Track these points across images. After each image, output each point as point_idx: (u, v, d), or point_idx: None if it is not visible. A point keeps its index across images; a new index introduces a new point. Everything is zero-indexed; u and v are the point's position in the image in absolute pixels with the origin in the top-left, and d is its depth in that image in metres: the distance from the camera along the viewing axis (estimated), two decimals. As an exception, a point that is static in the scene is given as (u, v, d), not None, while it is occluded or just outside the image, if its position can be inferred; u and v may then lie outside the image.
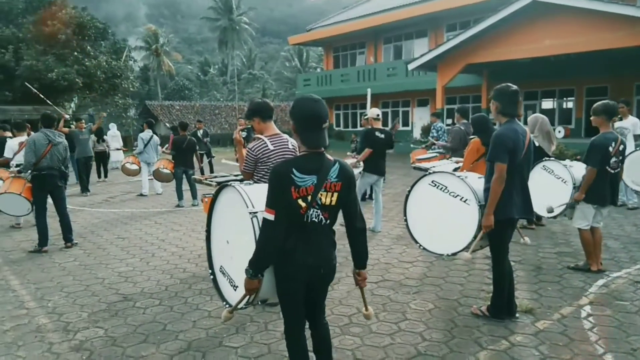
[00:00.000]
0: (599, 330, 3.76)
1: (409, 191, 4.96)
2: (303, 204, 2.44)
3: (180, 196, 9.86)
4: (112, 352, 3.55)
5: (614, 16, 13.46)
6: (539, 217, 6.66)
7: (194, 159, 10.41)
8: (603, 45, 14.05)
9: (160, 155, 11.75)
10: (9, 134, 9.07)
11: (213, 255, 3.21)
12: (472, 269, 5.33)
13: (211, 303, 4.44)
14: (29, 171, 6.32)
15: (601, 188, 4.91)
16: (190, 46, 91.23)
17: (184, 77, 58.35)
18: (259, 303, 3.03)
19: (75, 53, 27.77)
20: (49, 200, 6.58)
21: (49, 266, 5.79)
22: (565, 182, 5.80)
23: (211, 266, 3.21)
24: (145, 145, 11.36)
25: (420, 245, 4.81)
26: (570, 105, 21.29)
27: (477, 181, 4.33)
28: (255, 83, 61.09)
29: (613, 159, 4.87)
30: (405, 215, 4.99)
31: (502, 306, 3.93)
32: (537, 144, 6.24)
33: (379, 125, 7.24)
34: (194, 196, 9.84)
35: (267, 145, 3.96)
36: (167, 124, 32.29)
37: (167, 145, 10.51)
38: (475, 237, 4.11)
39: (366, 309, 2.85)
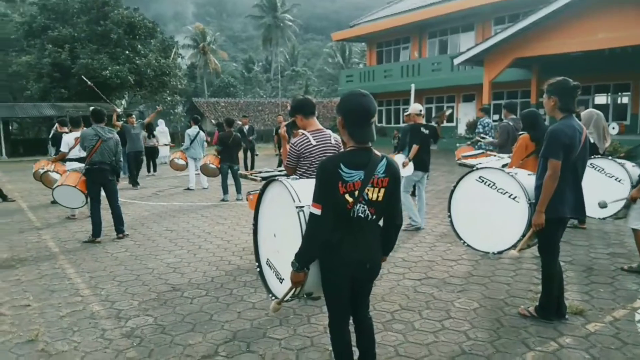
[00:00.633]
0: (655, 335, 3.59)
1: (454, 187, 4.87)
2: (350, 199, 2.44)
3: (225, 191, 10.08)
4: (161, 339, 3.68)
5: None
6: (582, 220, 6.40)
7: (240, 154, 10.60)
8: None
9: (206, 150, 12.04)
10: (66, 129, 9.52)
11: (260, 248, 3.26)
12: (520, 269, 5.19)
13: (255, 295, 4.53)
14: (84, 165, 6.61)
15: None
16: (235, 44, 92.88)
17: (229, 74, 59.40)
18: (304, 296, 3.06)
19: (127, 52, 28.78)
20: (102, 193, 6.86)
21: (102, 256, 6.05)
22: (620, 181, 5.53)
23: (258, 259, 3.26)
24: (192, 142, 11.67)
25: (465, 243, 4.72)
26: (625, 100, 20.34)
27: (527, 178, 4.21)
28: (298, 80, 61.47)
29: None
30: (449, 211, 4.90)
31: (550, 307, 3.81)
32: (592, 141, 6.00)
33: (422, 121, 7.13)
34: (239, 191, 10.03)
35: (309, 141, 3.99)
36: (213, 121, 32.98)
37: (211, 140, 10.76)
38: (524, 235, 4.00)
39: None
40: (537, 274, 4.82)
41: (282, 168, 4.53)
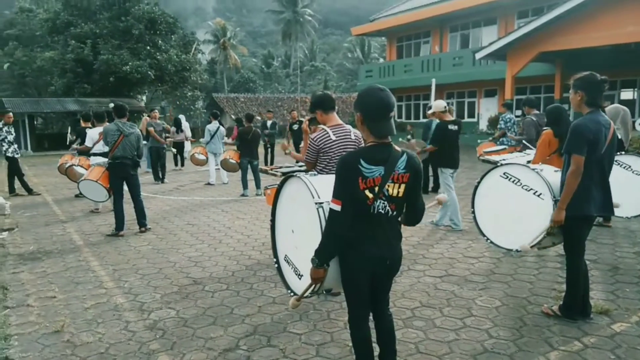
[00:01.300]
0: (684, 337, 3.50)
1: (478, 183, 4.81)
2: (370, 195, 2.43)
3: (245, 186, 10.15)
4: (183, 332, 3.73)
5: None
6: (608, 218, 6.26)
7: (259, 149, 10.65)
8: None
9: (224, 145, 12.12)
10: (89, 124, 9.68)
11: (277, 244, 3.27)
12: (543, 267, 5.11)
13: (275, 290, 4.55)
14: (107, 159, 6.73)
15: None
16: (255, 39, 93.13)
17: (249, 69, 59.66)
18: (324, 292, 3.07)
19: (148, 47, 29.09)
20: (125, 187, 6.97)
21: (125, 249, 6.15)
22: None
23: (276, 255, 3.27)
24: (212, 137, 11.76)
25: (488, 239, 4.65)
26: (652, 95, 19.80)
27: (553, 174, 4.13)
28: (317, 75, 61.42)
29: None
30: (472, 207, 4.85)
31: (575, 307, 3.74)
32: (619, 137, 5.85)
33: (449, 116, 6.93)
34: (258, 186, 10.08)
35: (329, 136, 3.98)
36: (232, 116, 33.19)
37: (231, 136, 10.85)
38: (545, 232, 3.92)
39: None
40: (561, 273, 4.73)
41: (302, 164, 4.53)
